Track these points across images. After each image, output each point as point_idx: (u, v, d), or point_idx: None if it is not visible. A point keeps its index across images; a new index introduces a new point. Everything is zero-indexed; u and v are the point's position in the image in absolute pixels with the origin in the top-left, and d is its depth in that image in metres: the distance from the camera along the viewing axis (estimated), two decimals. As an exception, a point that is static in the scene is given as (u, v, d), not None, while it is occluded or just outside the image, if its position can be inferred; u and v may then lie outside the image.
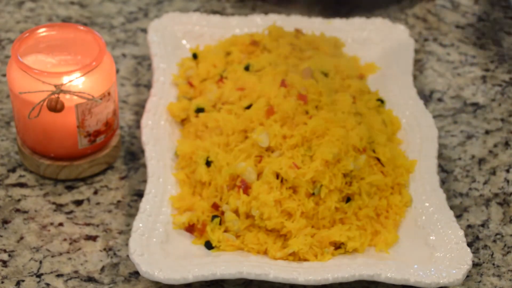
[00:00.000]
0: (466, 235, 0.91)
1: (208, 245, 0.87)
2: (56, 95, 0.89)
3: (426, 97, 1.07)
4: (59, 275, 0.86)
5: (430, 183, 0.92)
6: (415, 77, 1.08)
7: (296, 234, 0.86)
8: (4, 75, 1.07)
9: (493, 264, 0.89)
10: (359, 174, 0.89)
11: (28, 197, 0.93)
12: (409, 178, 0.92)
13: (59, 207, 0.93)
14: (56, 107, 0.89)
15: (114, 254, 0.88)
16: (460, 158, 0.99)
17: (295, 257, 0.86)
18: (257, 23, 1.09)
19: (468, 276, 0.88)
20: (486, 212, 0.94)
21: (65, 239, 0.89)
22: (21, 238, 0.89)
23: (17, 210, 0.92)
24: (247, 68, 0.98)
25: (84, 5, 1.18)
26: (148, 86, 1.06)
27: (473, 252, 0.90)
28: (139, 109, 1.03)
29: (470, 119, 1.04)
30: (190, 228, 0.88)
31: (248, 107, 0.93)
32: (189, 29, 1.08)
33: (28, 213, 0.92)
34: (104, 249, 0.89)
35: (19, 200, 0.93)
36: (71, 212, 0.92)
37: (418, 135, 0.97)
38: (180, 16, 1.09)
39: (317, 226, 0.87)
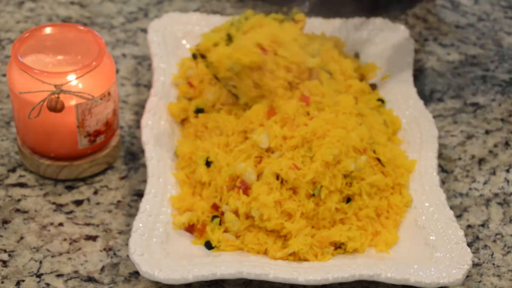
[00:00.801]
0: (466, 235, 0.91)
1: (208, 245, 0.87)
2: (56, 95, 0.89)
3: (426, 97, 1.07)
4: (59, 275, 0.86)
5: (430, 183, 0.92)
6: (415, 77, 1.08)
7: (296, 234, 0.86)
8: (4, 75, 1.07)
9: (493, 264, 0.89)
10: (359, 174, 0.89)
11: (28, 197, 0.93)
12: (409, 178, 0.92)
13: (59, 207, 0.93)
14: (56, 107, 0.89)
15: (114, 254, 0.88)
16: (460, 158, 0.99)
17: (295, 257, 0.86)
18: (257, 23, 1.09)
19: (468, 276, 0.88)
20: (486, 212, 0.94)
21: (65, 239, 0.89)
22: (21, 238, 0.90)
23: (17, 210, 0.92)
24: None
25: (84, 5, 1.18)
26: (148, 86, 1.06)
27: (473, 252, 0.90)
28: (139, 109, 1.03)
29: (470, 119, 1.04)
30: (190, 228, 0.88)
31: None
32: (189, 29, 1.08)
33: (28, 213, 0.92)
34: (104, 249, 0.89)
35: (19, 200, 0.93)
36: (71, 212, 0.92)
37: (418, 135, 0.97)
38: (180, 16, 1.09)
39: (317, 226, 0.87)
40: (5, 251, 0.88)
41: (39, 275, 0.86)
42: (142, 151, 0.98)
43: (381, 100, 1.00)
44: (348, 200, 0.88)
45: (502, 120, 1.04)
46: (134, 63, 1.10)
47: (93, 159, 0.94)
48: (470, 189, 0.96)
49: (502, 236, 0.92)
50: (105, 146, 0.96)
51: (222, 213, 0.88)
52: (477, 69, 1.11)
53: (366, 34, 1.09)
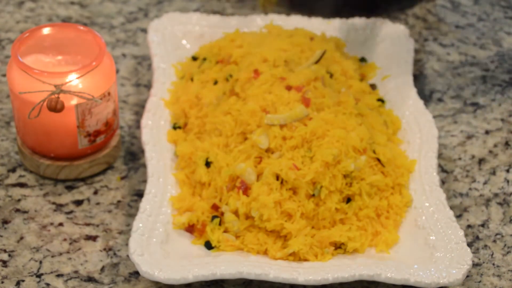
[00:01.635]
0: (466, 235, 0.91)
1: (208, 245, 0.87)
2: (56, 95, 0.89)
3: (426, 97, 1.07)
4: (59, 275, 0.86)
5: (430, 183, 0.92)
6: (415, 77, 1.08)
7: (296, 235, 0.86)
8: (4, 75, 1.07)
9: (493, 264, 0.89)
10: (359, 175, 0.89)
11: (28, 197, 0.93)
12: (409, 178, 0.92)
13: (59, 207, 0.93)
14: (56, 107, 0.89)
15: (114, 254, 0.88)
16: (460, 158, 0.99)
17: (295, 257, 0.86)
18: (257, 23, 1.09)
19: (468, 276, 0.88)
20: (486, 212, 0.94)
21: (65, 239, 0.89)
22: (21, 238, 0.90)
23: (17, 210, 0.92)
24: None
25: (84, 5, 1.18)
26: (148, 86, 1.06)
27: (473, 252, 0.90)
28: (139, 109, 1.03)
29: (470, 119, 1.04)
30: (190, 229, 0.88)
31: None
32: (189, 29, 1.08)
33: (28, 213, 0.92)
34: (104, 249, 0.89)
35: (19, 200, 0.93)
36: (71, 212, 0.92)
37: (418, 135, 0.97)
38: (180, 16, 1.09)
39: (317, 227, 0.87)
40: (5, 251, 0.88)
41: (39, 275, 0.86)
42: (142, 151, 0.98)
43: (381, 100, 1.00)
44: (348, 200, 0.88)
45: (502, 120, 1.04)
46: (134, 63, 1.10)
47: (93, 159, 0.94)
48: (470, 189, 0.96)
49: (502, 236, 0.92)
50: (105, 146, 0.96)
51: (222, 214, 0.88)
52: (477, 69, 1.11)
53: (366, 34, 1.09)
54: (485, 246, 0.91)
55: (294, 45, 0.98)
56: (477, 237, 0.91)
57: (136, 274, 0.87)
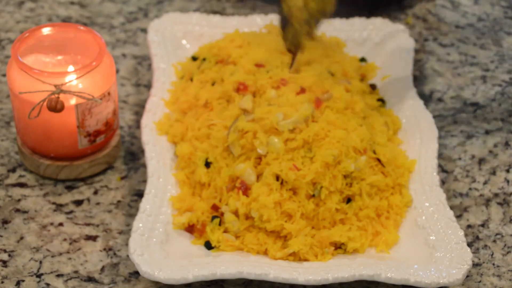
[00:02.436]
0: (466, 235, 0.91)
1: (208, 245, 0.87)
2: (56, 95, 0.89)
3: (426, 97, 1.07)
4: (59, 275, 0.86)
5: (430, 183, 0.92)
6: (415, 77, 1.08)
7: (296, 235, 0.86)
8: (4, 75, 1.07)
9: (493, 264, 0.89)
10: (359, 175, 0.89)
11: (28, 197, 0.93)
12: (409, 178, 0.92)
13: (59, 207, 0.93)
14: (56, 107, 0.89)
15: (114, 254, 0.88)
16: (460, 158, 0.99)
17: (295, 257, 0.86)
18: (257, 23, 1.09)
19: (468, 276, 0.88)
20: (486, 212, 0.94)
21: (65, 239, 0.89)
22: (21, 238, 0.90)
23: (17, 210, 0.92)
24: None
25: (84, 5, 1.18)
26: (148, 86, 1.06)
27: (473, 252, 0.90)
28: (139, 109, 1.03)
29: (470, 119, 1.04)
30: (190, 229, 0.88)
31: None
32: (189, 29, 1.08)
33: (28, 213, 0.92)
34: (104, 249, 0.89)
35: (19, 200, 0.93)
36: (71, 212, 0.92)
37: (418, 135, 0.97)
38: (180, 16, 1.09)
39: (317, 227, 0.87)
40: (5, 251, 0.88)
41: (39, 275, 0.86)
42: (142, 151, 0.98)
43: (381, 100, 1.00)
44: (348, 200, 0.88)
45: (502, 120, 1.04)
46: (134, 63, 1.10)
47: (93, 159, 0.94)
48: (470, 189, 0.96)
49: (502, 236, 0.92)
50: (105, 146, 0.96)
51: (222, 214, 0.88)
52: (477, 69, 1.11)
53: (366, 34, 1.09)
54: (485, 246, 0.91)
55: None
56: (477, 237, 0.91)
57: (136, 274, 0.87)
